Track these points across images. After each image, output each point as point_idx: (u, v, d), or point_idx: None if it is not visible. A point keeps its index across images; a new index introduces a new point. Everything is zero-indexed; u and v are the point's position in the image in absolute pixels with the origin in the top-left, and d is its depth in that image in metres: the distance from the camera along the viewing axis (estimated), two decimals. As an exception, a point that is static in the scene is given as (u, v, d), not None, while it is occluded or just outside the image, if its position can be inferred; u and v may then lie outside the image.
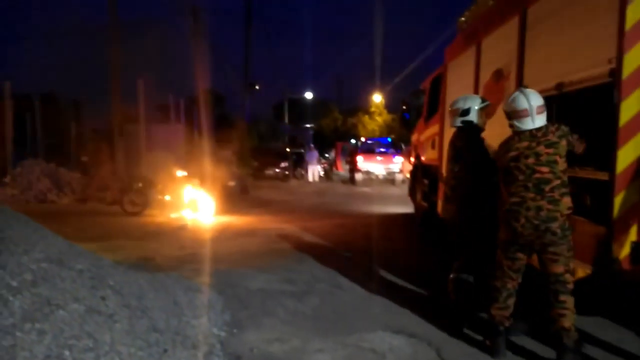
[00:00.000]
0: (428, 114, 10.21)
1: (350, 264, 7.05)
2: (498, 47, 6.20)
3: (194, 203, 11.57)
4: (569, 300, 3.74)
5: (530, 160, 3.80)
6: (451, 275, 4.86)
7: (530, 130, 3.86)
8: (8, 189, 13.77)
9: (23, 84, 18.43)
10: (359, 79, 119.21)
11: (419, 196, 10.91)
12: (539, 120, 3.87)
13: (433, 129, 9.42)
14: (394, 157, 24.06)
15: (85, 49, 19.99)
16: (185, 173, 12.19)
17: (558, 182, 3.74)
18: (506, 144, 4.00)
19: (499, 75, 6.05)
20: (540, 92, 4.51)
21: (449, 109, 5.00)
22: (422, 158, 10.58)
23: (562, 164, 3.78)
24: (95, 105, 18.32)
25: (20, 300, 3.11)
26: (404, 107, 11.98)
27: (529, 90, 4.02)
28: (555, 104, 4.72)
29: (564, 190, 3.76)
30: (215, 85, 31.16)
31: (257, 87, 28.81)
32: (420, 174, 10.72)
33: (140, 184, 11.87)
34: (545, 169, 3.76)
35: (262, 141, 27.44)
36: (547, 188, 3.73)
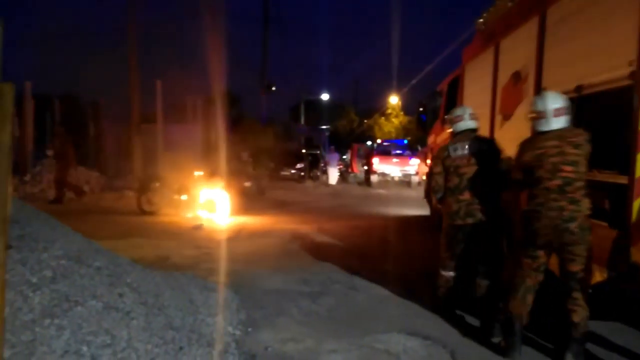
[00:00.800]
0: (445, 116, 10.16)
1: (365, 266, 7.03)
2: (517, 49, 6.15)
3: (210, 203, 11.60)
4: (581, 297, 3.79)
5: (556, 159, 3.79)
6: (442, 272, 4.94)
7: (560, 130, 3.85)
8: (28, 187, 13.95)
9: (43, 85, 18.65)
10: (375, 81, 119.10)
11: (435, 199, 10.85)
12: (556, 123, 3.86)
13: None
14: (410, 159, 24.00)
15: (104, 50, 20.16)
16: (201, 173, 12.23)
17: (581, 183, 3.76)
18: (530, 143, 3.99)
19: (517, 77, 6.01)
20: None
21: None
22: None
23: (584, 166, 3.79)
24: (114, 105, 18.48)
25: (40, 297, 3.16)
26: (421, 109, 11.94)
27: (548, 93, 4.02)
28: (574, 106, 4.68)
29: (585, 191, 3.78)
30: (232, 86, 31.25)
31: (273, 88, 28.86)
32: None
33: (157, 184, 11.94)
34: (569, 168, 3.75)
35: (278, 142, 27.41)
36: (569, 188, 3.74)
